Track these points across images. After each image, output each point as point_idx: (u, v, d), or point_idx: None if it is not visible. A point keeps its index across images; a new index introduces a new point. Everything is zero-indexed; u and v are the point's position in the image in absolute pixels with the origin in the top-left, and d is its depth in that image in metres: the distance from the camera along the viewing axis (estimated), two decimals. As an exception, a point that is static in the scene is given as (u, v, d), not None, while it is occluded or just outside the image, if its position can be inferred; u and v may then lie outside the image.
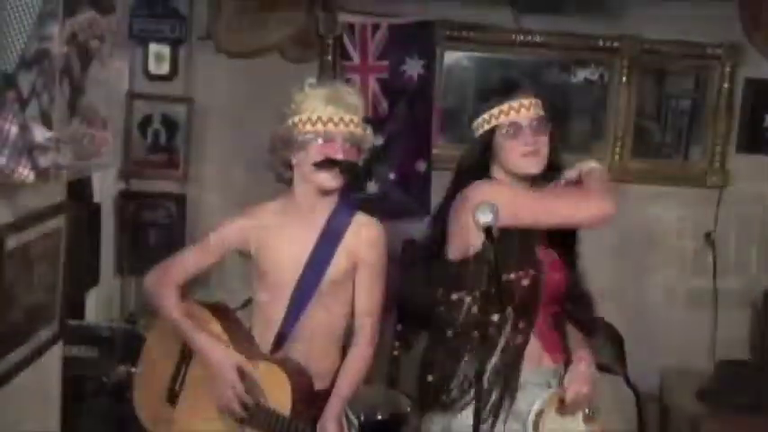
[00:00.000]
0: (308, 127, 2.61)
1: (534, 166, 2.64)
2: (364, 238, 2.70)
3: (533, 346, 2.61)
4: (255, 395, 2.67)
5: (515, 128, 2.63)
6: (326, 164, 2.62)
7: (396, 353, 4.50)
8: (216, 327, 2.79)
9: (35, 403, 2.77)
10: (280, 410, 2.61)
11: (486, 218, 2.30)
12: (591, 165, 2.70)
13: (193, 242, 4.62)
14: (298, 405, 2.60)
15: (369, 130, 2.70)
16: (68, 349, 3.28)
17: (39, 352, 2.67)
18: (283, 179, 2.73)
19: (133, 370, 3.83)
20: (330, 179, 2.64)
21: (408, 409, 4.00)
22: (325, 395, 2.70)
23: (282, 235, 2.70)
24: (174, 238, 4.71)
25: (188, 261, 2.82)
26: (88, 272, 4.29)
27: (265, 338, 2.73)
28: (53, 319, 2.74)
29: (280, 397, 2.61)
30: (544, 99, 2.74)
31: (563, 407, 2.61)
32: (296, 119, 2.63)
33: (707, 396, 4.04)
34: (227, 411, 2.69)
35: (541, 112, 2.67)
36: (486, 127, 2.65)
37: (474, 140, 2.70)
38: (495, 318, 2.50)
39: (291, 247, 2.68)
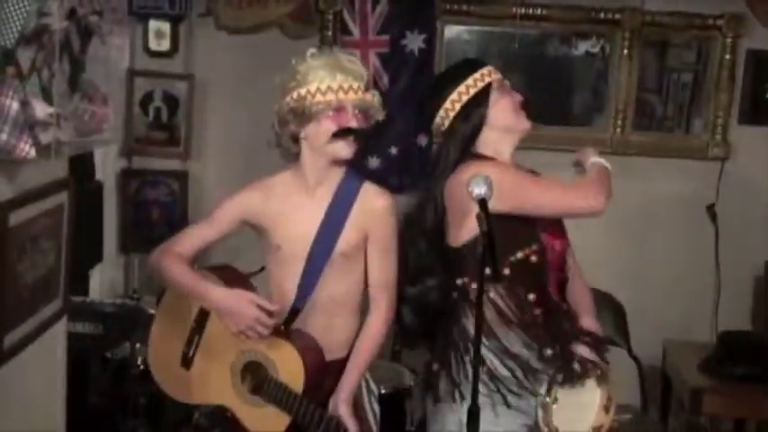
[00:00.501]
0: (319, 97, 2.59)
1: (526, 122, 2.70)
2: (373, 208, 2.68)
3: None
4: (267, 369, 2.68)
5: (507, 85, 2.70)
6: (341, 133, 2.61)
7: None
8: None
9: (40, 378, 2.79)
10: (291, 386, 2.62)
11: (480, 190, 2.32)
12: (596, 159, 2.74)
13: (196, 219, 4.68)
14: (310, 381, 2.61)
15: (376, 96, 2.68)
16: (72, 325, 3.31)
17: (43, 327, 2.69)
18: (290, 154, 2.71)
19: (138, 346, 3.88)
20: (344, 148, 2.63)
21: (412, 383, 4.03)
22: (343, 365, 2.70)
23: (292, 209, 2.70)
24: (177, 215, 4.72)
25: (193, 234, 2.81)
26: (91, 249, 4.31)
27: (280, 310, 2.72)
28: (57, 295, 2.76)
29: (292, 373, 2.62)
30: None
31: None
32: (303, 90, 2.60)
33: (709, 367, 4.04)
34: (257, 336, 2.66)
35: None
36: (480, 85, 2.66)
37: (467, 108, 2.67)
38: (492, 292, 2.51)
39: (302, 220, 2.68)
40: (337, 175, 2.69)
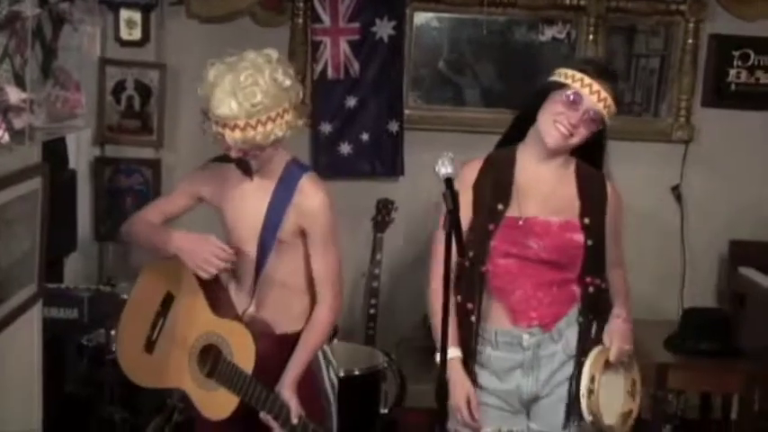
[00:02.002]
0: (213, 125, 2.59)
1: (554, 141, 2.64)
2: (308, 209, 2.71)
3: (504, 307, 2.72)
4: (222, 351, 2.75)
5: (574, 98, 2.61)
6: (222, 158, 2.71)
7: (372, 311, 4.59)
8: (192, 282, 2.84)
9: (16, 362, 2.82)
10: (243, 368, 2.69)
11: (446, 170, 2.39)
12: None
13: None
14: (260, 365, 2.68)
15: (254, 133, 2.56)
16: (48, 311, 3.35)
17: (19, 312, 2.73)
18: None
19: (113, 333, 3.92)
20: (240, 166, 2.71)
21: (385, 365, 4.10)
22: (295, 339, 2.78)
23: (240, 195, 2.77)
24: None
25: (157, 207, 2.93)
26: (65, 237, 4.33)
27: (237, 290, 2.83)
28: (32, 280, 2.80)
29: (244, 355, 2.70)
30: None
31: (608, 364, 2.69)
32: (207, 110, 2.59)
33: (673, 343, 4.13)
34: (213, 269, 2.72)
35: (606, 114, 2.64)
36: (559, 79, 2.65)
37: (543, 82, 2.71)
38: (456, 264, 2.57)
39: (249, 207, 2.75)
40: (280, 164, 2.74)
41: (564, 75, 2.65)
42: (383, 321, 4.64)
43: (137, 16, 4.68)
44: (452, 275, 2.55)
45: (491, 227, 2.67)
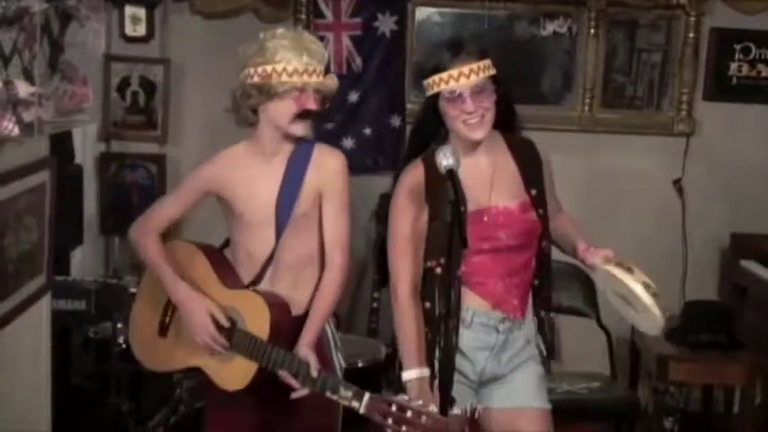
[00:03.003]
0: (285, 78, 2.69)
1: (477, 133, 2.66)
2: (327, 167, 2.81)
3: (483, 295, 2.73)
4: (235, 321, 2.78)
5: (456, 96, 2.64)
6: (302, 115, 2.73)
7: (375, 305, 4.62)
8: (203, 262, 2.89)
9: (26, 352, 2.86)
10: (258, 335, 2.72)
11: (448, 161, 2.42)
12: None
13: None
14: (275, 332, 2.71)
15: (335, 79, 2.80)
16: (55, 302, 3.38)
17: (28, 302, 2.77)
18: (247, 122, 2.82)
19: (119, 326, 3.96)
20: (301, 128, 2.76)
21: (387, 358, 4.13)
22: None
23: (252, 178, 2.80)
24: (155, 197, 4.77)
25: (166, 209, 2.91)
26: (72, 231, 4.37)
27: (250, 275, 2.84)
28: (41, 271, 2.84)
29: (259, 322, 2.73)
30: (501, 54, 2.77)
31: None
32: (269, 68, 2.69)
33: (674, 335, 4.16)
34: (207, 348, 2.78)
35: (486, 74, 2.64)
36: (431, 92, 2.68)
37: (424, 101, 2.75)
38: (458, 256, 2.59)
39: (262, 187, 2.79)
40: (291, 142, 2.82)
41: (430, 86, 2.67)
42: (386, 314, 4.67)
43: (141, 12, 4.71)
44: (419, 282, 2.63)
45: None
